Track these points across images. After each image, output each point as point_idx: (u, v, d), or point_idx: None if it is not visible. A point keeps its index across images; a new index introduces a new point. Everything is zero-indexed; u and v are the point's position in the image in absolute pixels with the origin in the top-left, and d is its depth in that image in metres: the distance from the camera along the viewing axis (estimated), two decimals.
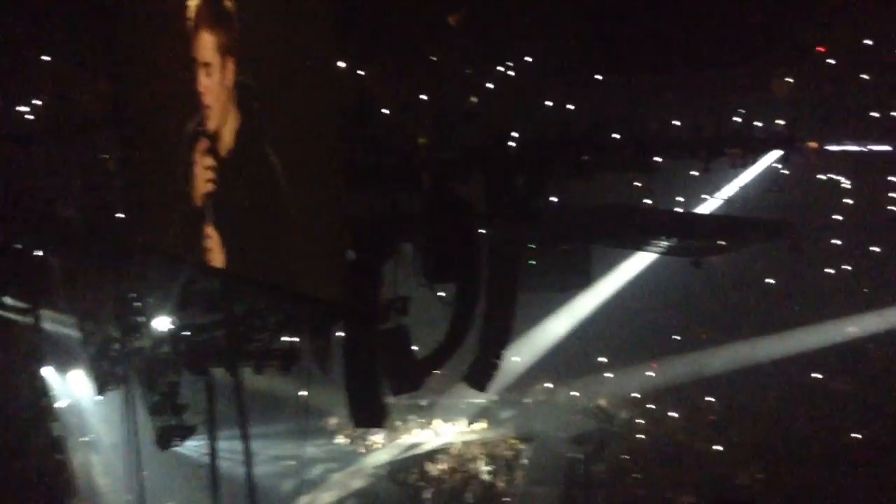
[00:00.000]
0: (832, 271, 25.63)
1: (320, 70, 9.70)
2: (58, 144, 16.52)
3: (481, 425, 25.64)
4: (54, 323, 17.24)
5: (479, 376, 13.74)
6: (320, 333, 13.17)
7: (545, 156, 14.43)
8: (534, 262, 16.12)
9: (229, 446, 15.85)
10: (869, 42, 18.05)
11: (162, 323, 14.76)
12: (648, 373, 27.03)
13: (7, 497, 16.92)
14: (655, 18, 16.60)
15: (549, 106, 18.47)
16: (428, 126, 14.96)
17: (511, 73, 18.88)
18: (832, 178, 23.31)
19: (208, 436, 15.41)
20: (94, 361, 16.06)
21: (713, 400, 25.10)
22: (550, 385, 27.98)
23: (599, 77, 18.26)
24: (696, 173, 18.82)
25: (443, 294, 12.93)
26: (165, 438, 14.60)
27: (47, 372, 19.22)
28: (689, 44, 16.81)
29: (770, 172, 21.71)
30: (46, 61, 16.67)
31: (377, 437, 25.00)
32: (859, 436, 21.22)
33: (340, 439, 25.38)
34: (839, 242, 24.72)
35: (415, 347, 12.74)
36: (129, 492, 16.20)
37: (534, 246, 15.92)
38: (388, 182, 12.77)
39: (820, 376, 24.90)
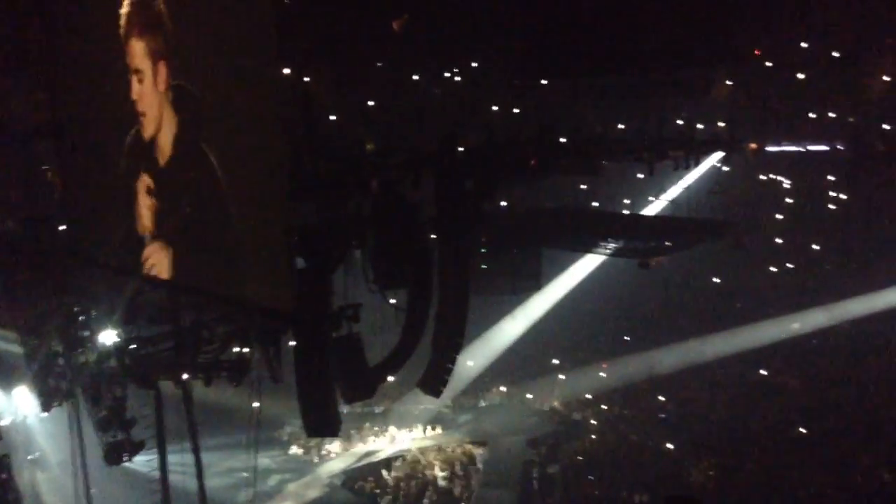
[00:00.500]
0: (775, 269, 26.35)
1: (263, 76, 9.63)
2: None
3: (437, 431, 25.71)
4: None
5: (434, 382, 13.66)
6: (270, 343, 13.03)
7: (493, 160, 14.50)
8: (485, 266, 16.20)
9: (180, 460, 15.62)
10: (804, 45, 18.50)
11: (107, 336, 14.49)
12: (600, 374, 27.44)
13: None
14: (598, 24, 16.80)
15: (495, 111, 18.56)
16: (375, 132, 14.92)
17: (457, 78, 18.93)
18: (773, 178, 23.92)
19: (158, 450, 15.19)
20: (38, 377, 15.73)
21: (664, 399, 25.55)
22: (504, 388, 28.26)
23: (545, 82, 18.41)
24: (642, 175, 19.12)
25: (394, 300, 12.87)
26: (114, 454, 14.37)
27: None
28: (631, 48, 17.04)
29: (713, 173, 22.21)
30: None
31: (332, 446, 24.90)
32: (805, 430, 21.67)
33: (294, 449, 25.22)
34: (781, 241, 25.38)
35: (367, 354, 12.67)
36: None
37: (484, 250, 16.00)
38: (337, 188, 12.69)
39: (766, 373, 25.52)
